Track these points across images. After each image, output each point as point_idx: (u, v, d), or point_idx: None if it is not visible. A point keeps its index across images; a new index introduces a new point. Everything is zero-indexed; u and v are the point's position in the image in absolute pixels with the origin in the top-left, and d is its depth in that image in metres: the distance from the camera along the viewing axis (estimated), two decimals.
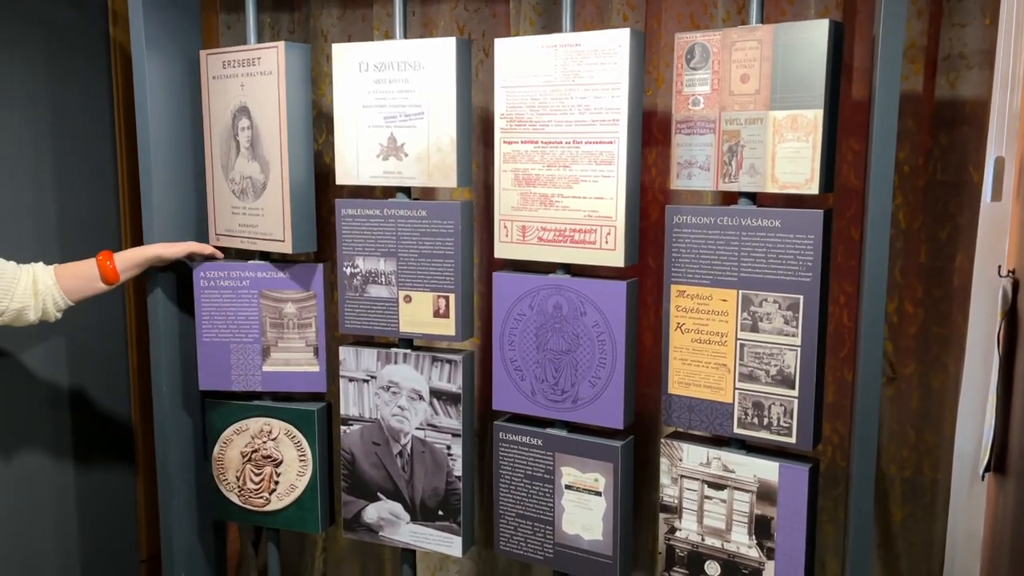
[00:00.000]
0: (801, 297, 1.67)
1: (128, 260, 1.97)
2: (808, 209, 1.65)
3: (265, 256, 2.12)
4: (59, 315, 1.91)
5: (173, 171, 2.11)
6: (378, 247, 1.99)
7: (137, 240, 2.28)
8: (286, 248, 2.00)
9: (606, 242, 1.79)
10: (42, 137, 2.18)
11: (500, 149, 1.88)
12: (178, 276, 2.15)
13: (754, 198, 1.73)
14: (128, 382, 2.47)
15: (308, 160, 2.01)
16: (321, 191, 2.45)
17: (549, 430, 1.94)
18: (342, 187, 2.32)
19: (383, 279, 2.00)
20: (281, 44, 1.93)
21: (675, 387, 1.83)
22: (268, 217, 2.02)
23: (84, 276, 1.91)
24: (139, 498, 2.57)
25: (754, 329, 1.72)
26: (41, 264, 1.91)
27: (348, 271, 2.03)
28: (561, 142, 1.81)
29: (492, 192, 2.16)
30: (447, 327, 1.97)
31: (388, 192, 2.05)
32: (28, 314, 1.85)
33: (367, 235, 2.00)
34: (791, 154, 1.64)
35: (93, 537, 2.37)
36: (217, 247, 2.11)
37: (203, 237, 2.18)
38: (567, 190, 1.82)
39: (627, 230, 1.78)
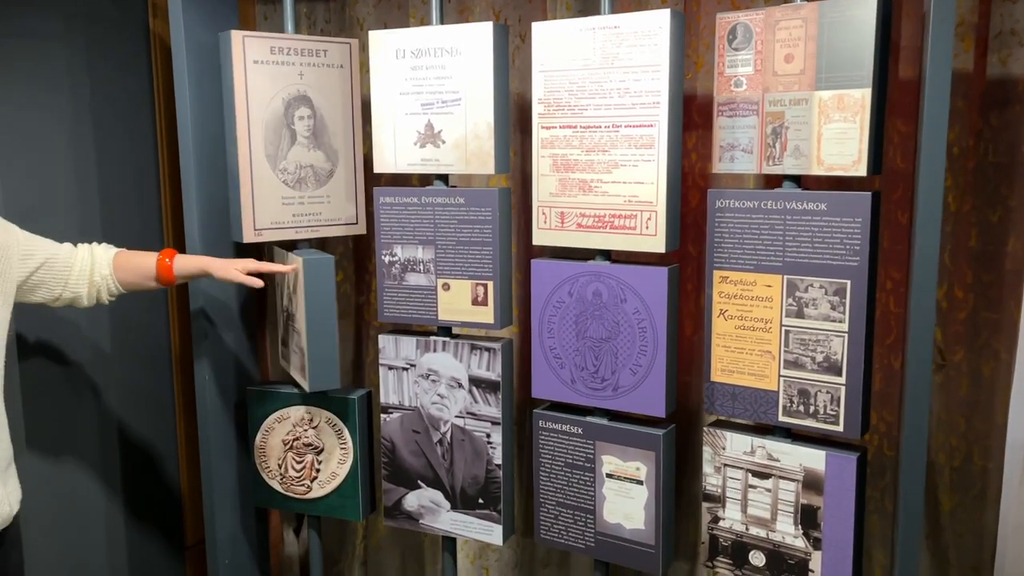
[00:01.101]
0: (848, 282, 1.63)
1: (187, 266, 1.92)
2: (855, 192, 1.61)
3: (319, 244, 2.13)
4: (112, 299, 1.91)
5: (215, 162, 2.13)
6: (416, 235, 1.99)
7: (179, 233, 2.30)
8: (360, 230, 2.15)
9: (647, 227, 1.77)
10: (84, 130, 2.21)
11: (538, 135, 1.87)
12: None
13: (798, 181, 1.70)
14: (171, 368, 2.50)
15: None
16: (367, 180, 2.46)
17: (589, 418, 1.92)
18: (379, 175, 2.32)
19: (421, 267, 2.00)
20: (354, 42, 2.09)
21: (718, 375, 1.80)
22: (336, 204, 2.10)
23: (140, 272, 1.89)
24: (183, 485, 2.60)
25: (800, 315, 1.69)
26: (103, 247, 1.88)
27: (387, 259, 2.03)
28: (600, 126, 1.79)
29: (528, 179, 2.15)
30: (486, 315, 1.96)
31: (425, 180, 2.04)
32: (82, 300, 1.85)
33: (405, 223, 2.00)
34: (837, 135, 1.60)
35: (138, 525, 2.41)
36: (255, 243, 2.12)
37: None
38: (606, 175, 1.80)
39: (668, 215, 1.75)
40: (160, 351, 2.45)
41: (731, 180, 1.96)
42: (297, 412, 2.17)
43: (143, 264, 1.89)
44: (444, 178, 1.99)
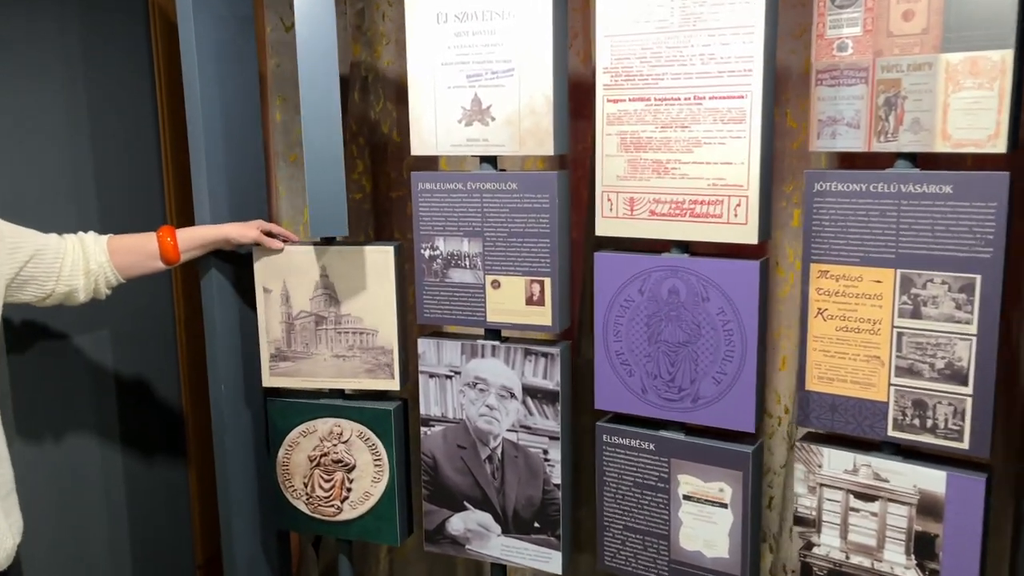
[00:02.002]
0: (978, 277, 1.40)
1: (192, 239, 1.75)
2: (989, 172, 1.38)
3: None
4: (109, 292, 1.71)
5: (229, 146, 1.88)
6: (461, 226, 1.75)
7: (185, 217, 2.06)
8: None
9: (735, 215, 1.53)
10: (78, 107, 1.96)
11: (603, 109, 1.62)
12: (234, 258, 1.92)
13: (914, 160, 1.46)
14: (177, 368, 2.27)
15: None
16: (378, 165, 2.22)
17: (663, 433, 1.69)
18: (417, 158, 2.08)
19: (467, 262, 1.76)
20: None
21: (814, 383, 1.57)
22: None
23: (141, 252, 1.70)
24: (192, 496, 2.38)
25: (916, 315, 1.46)
26: (92, 235, 1.68)
27: (427, 254, 1.79)
28: (679, 98, 1.55)
29: (581, 162, 1.91)
30: (542, 316, 1.72)
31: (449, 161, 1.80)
32: (78, 295, 1.64)
33: (448, 212, 1.75)
34: (969, 105, 1.36)
35: (145, 540, 2.19)
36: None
37: (267, 219, 1.95)
38: (686, 155, 1.56)
39: (761, 200, 1.52)
40: (165, 343, 2.21)
41: (826, 161, 1.72)
42: (325, 425, 1.93)
43: (142, 244, 1.70)
44: (492, 161, 1.75)
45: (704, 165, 1.54)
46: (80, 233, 1.67)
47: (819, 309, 1.55)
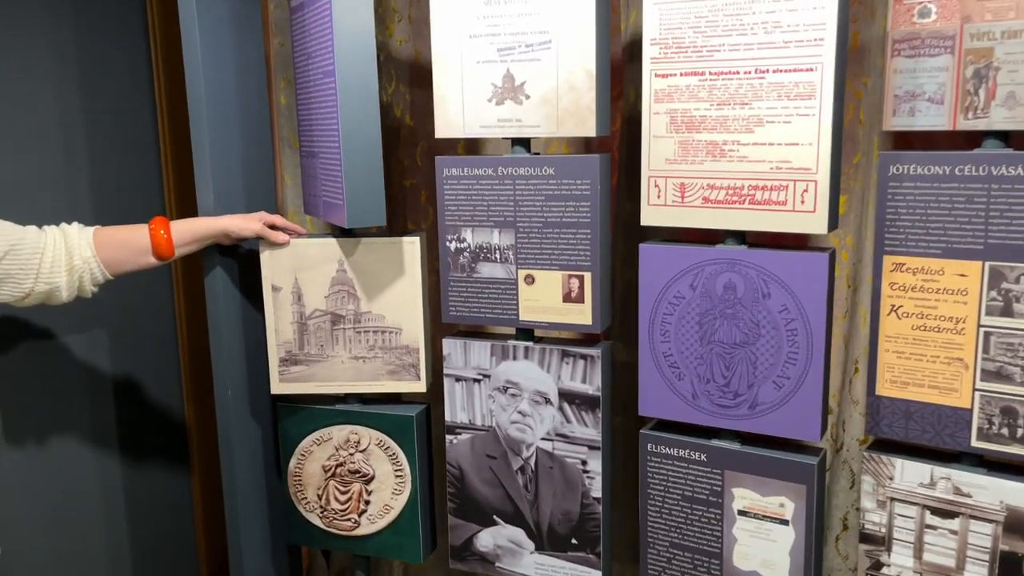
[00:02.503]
0: None
1: (187, 232, 1.59)
2: None
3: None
4: (95, 290, 1.55)
5: (233, 132, 1.71)
6: (491, 215, 1.59)
7: (187, 209, 1.90)
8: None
9: (801, 201, 1.37)
10: (70, 93, 1.80)
11: (650, 85, 1.46)
12: (240, 254, 1.77)
13: (1006, 138, 1.30)
14: (179, 368, 2.12)
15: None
16: (389, 151, 2.07)
17: (715, 442, 1.54)
18: (431, 144, 1.93)
19: (498, 255, 1.60)
20: None
21: (886, 387, 1.42)
22: None
23: (131, 247, 1.54)
24: (196, 505, 2.23)
25: (1007, 312, 1.31)
26: (76, 227, 1.52)
27: (452, 246, 1.63)
28: (738, 72, 1.39)
29: (607, 148, 1.75)
30: (581, 314, 1.57)
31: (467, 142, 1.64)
32: (60, 294, 1.49)
33: (477, 201, 1.59)
34: None
35: (146, 552, 2.05)
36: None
37: (273, 210, 1.79)
38: (746, 135, 1.40)
39: (831, 186, 1.36)
40: (166, 344, 2.07)
41: (898, 141, 1.56)
42: (340, 432, 1.78)
43: (132, 238, 1.54)
44: (525, 144, 1.59)
45: (767, 147, 1.39)
46: (63, 225, 1.51)
47: (893, 306, 1.40)
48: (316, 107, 1.63)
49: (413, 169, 2.06)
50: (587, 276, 1.55)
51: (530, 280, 1.59)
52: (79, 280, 1.49)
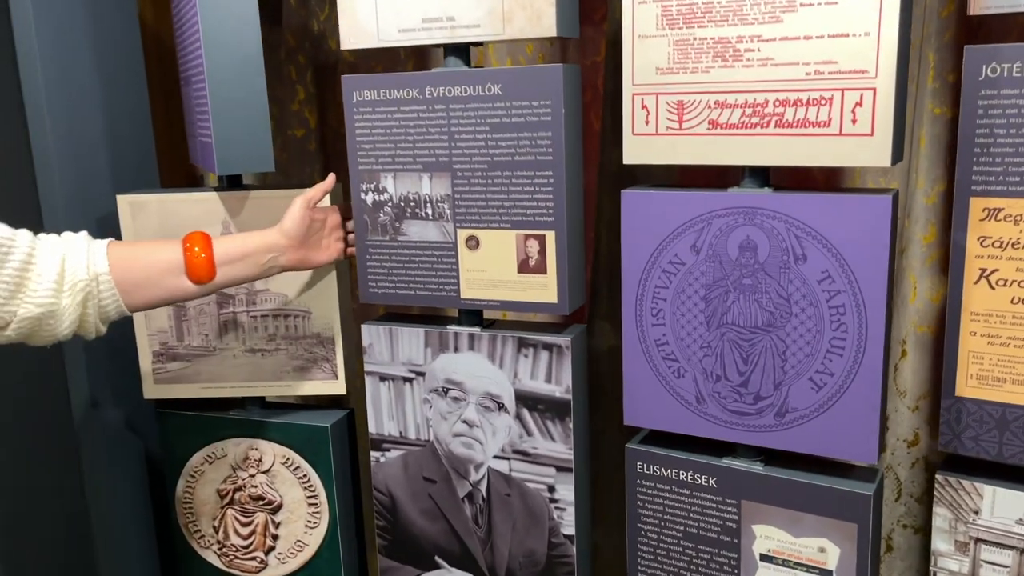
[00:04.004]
0: None
1: (233, 247, 1.11)
2: None
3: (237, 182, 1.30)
4: (104, 330, 1.06)
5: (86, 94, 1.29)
6: (418, 156, 1.16)
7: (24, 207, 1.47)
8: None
9: (853, 120, 0.95)
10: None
11: None
12: (92, 216, 1.34)
13: None
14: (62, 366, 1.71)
15: None
16: (326, 92, 1.66)
17: (729, 461, 1.12)
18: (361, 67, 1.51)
19: (429, 210, 1.17)
20: None
21: (970, 386, 1.00)
22: None
23: (157, 263, 1.06)
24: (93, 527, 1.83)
25: None
26: (85, 236, 1.04)
27: (369, 199, 1.20)
28: None
29: (590, 83, 1.32)
30: (544, 289, 1.14)
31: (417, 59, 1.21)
32: (55, 323, 0.99)
33: (399, 136, 1.16)
34: None
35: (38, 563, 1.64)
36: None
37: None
38: (771, 27, 0.97)
39: (897, 94, 0.93)
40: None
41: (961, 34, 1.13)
42: (237, 448, 1.36)
43: (159, 253, 1.07)
44: (462, 54, 1.16)
45: (801, 42, 0.95)
46: (66, 233, 1.03)
47: (983, 270, 0.97)
48: (186, 6, 1.20)
49: None
50: (549, 236, 1.12)
51: (473, 243, 1.17)
52: (83, 306, 1.01)
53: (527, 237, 1.14)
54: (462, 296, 1.19)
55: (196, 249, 1.07)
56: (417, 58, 1.60)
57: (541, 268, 1.14)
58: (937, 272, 1.27)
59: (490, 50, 1.39)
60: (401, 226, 1.19)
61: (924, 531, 1.39)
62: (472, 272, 1.18)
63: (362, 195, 1.20)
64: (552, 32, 1.06)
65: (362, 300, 1.25)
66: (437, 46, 1.16)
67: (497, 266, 1.16)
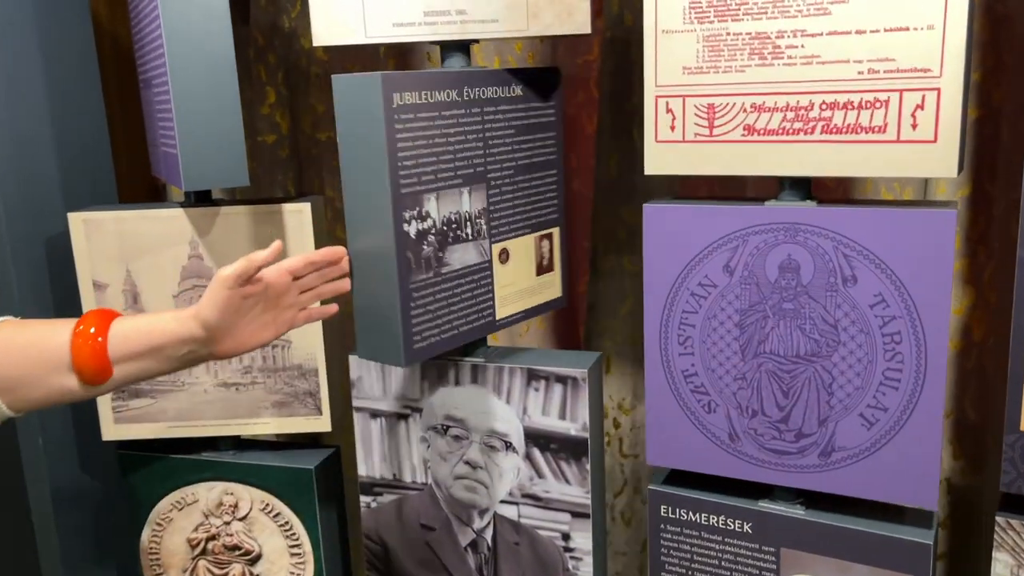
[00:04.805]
0: None
1: (136, 335, 0.84)
2: None
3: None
4: None
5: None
6: (458, 168, 1.01)
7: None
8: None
9: (912, 125, 0.84)
10: None
11: None
12: (45, 236, 1.20)
13: None
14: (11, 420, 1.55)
15: None
16: (299, 95, 1.54)
17: (766, 504, 1.01)
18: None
19: (469, 229, 1.02)
20: None
21: None
22: None
23: (39, 354, 0.82)
24: None
25: None
26: None
27: (412, 230, 0.99)
28: None
29: (582, 82, 1.21)
30: (551, 287, 1.04)
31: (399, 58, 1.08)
32: None
33: (440, 147, 0.97)
34: None
35: None
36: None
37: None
38: (817, 19, 0.86)
39: (963, 95, 0.82)
40: None
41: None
42: (210, 493, 1.22)
43: (44, 339, 0.83)
44: (463, 49, 1.03)
45: (852, 37, 0.84)
46: None
47: None
48: (146, 3, 1.06)
49: (329, 118, 1.51)
50: (555, 233, 1.01)
51: (505, 256, 1.04)
52: None
53: (541, 238, 1.03)
54: (497, 318, 1.06)
55: (91, 331, 0.81)
56: (398, 57, 1.47)
57: (551, 266, 1.05)
58: (959, 283, 1.18)
59: (475, 48, 1.27)
60: (444, 255, 1.01)
61: (947, 557, 1.30)
62: (504, 288, 1.06)
63: (404, 227, 0.98)
64: (586, 29, 0.94)
65: (411, 360, 1.04)
66: (435, 43, 1.03)
67: (522, 275, 1.07)
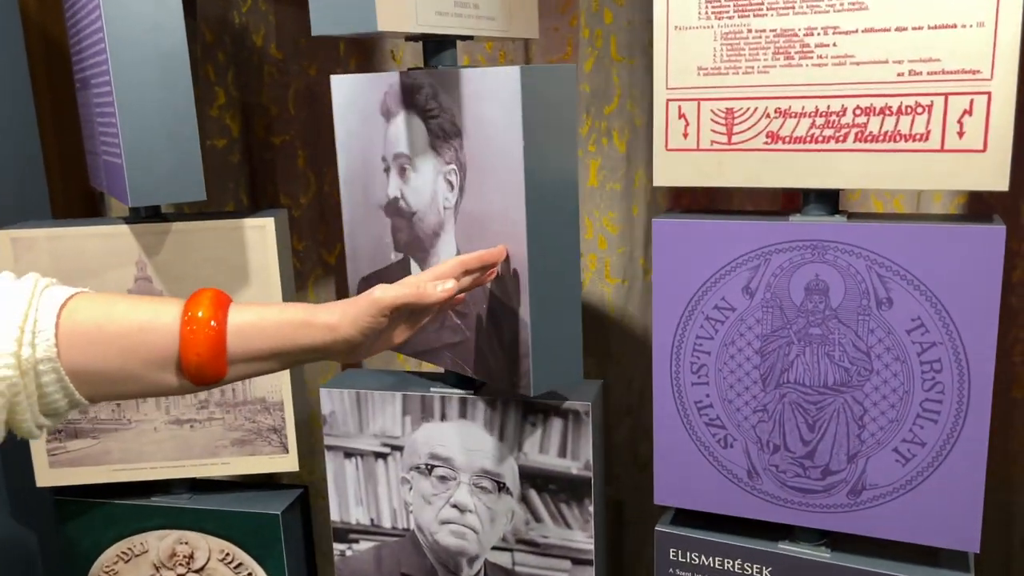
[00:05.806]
0: None
1: (267, 338, 0.69)
2: None
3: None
4: (48, 424, 0.66)
5: None
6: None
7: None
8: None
9: (959, 133, 0.76)
10: None
11: None
12: None
13: None
14: None
15: None
16: (250, 96, 1.43)
17: (786, 547, 0.92)
18: (322, 79, 1.28)
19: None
20: None
21: None
22: None
23: (135, 344, 0.66)
24: None
25: None
26: (31, 279, 0.67)
27: None
28: None
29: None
30: None
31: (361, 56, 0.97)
32: None
33: None
34: None
35: None
36: None
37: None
38: (851, 16, 0.77)
39: (1019, 103, 0.75)
40: None
41: None
42: (161, 543, 1.09)
43: (140, 324, 0.66)
44: (451, 49, 0.92)
45: (892, 35, 0.76)
46: (4, 273, 0.67)
47: None
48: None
49: (284, 120, 1.39)
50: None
51: None
52: (15, 395, 0.62)
53: None
54: None
55: (211, 323, 0.66)
56: (360, 55, 1.36)
57: None
58: None
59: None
60: None
61: None
62: None
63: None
64: (535, 34, 0.84)
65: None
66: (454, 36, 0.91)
67: None
